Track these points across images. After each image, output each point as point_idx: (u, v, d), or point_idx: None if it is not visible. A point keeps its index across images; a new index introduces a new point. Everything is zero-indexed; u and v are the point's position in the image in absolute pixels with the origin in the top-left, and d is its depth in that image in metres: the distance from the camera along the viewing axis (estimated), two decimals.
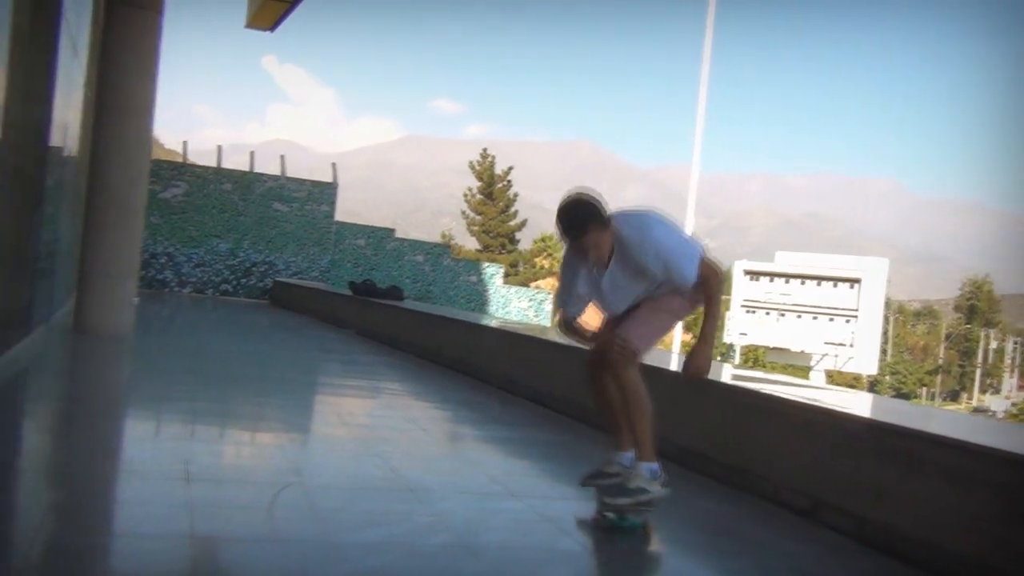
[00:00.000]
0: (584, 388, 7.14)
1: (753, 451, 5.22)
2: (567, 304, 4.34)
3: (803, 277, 38.86)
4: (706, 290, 4.15)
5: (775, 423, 5.11)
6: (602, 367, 4.26)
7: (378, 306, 15.12)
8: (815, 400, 5.28)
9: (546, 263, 60.90)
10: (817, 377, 35.19)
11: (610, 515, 4.09)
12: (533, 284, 48.18)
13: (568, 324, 4.38)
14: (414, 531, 3.78)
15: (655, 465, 4.11)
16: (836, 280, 38.65)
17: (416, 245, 28.51)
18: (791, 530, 4.48)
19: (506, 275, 32.82)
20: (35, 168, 7.96)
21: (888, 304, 63.06)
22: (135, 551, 3.20)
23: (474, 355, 10.01)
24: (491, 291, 28.74)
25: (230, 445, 5.65)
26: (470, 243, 61.84)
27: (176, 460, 4.67)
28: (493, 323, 12.57)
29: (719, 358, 43.19)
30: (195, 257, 23.86)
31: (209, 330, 14.91)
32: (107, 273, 10.48)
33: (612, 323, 4.31)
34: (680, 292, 4.19)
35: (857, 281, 38.23)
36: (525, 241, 63.59)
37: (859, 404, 5.95)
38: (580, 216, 4.03)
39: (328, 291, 19.75)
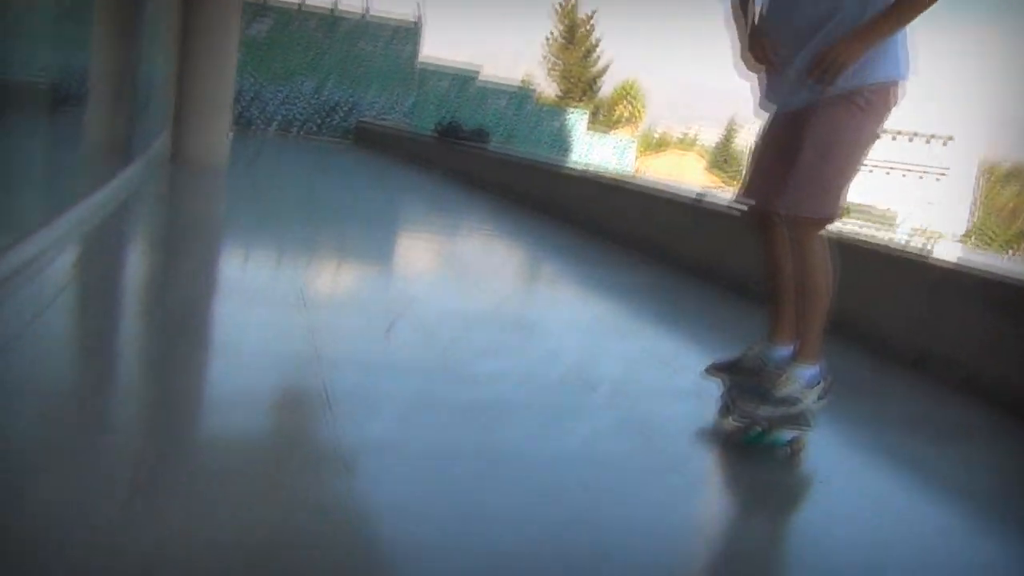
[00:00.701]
0: (679, 238, 7.13)
1: (862, 302, 5.13)
2: None
3: (894, 133, 37.70)
4: None
5: (885, 274, 5.01)
6: (771, 226, 3.24)
7: (464, 148, 15.04)
8: (924, 251, 5.17)
9: (626, 111, 59.83)
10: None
11: (739, 421, 3.17)
12: (613, 132, 47.50)
13: (736, 6, 3.31)
14: (530, 364, 3.83)
15: (816, 369, 3.15)
16: (929, 137, 37.43)
17: (499, 89, 28.14)
18: (900, 380, 4.44)
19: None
20: (130, 1, 7.93)
21: (978, 164, 61.03)
22: (266, 369, 3.29)
23: (564, 200, 9.95)
24: (574, 137, 28.41)
25: (338, 276, 5.73)
26: (549, 89, 60.84)
27: (289, 287, 4.77)
28: (581, 169, 12.46)
29: None
30: (280, 95, 23.88)
31: (299, 167, 15.03)
32: (202, 106, 10.54)
33: (772, 159, 3.21)
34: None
35: (950, 138, 36.98)
36: (606, 88, 62.32)
37: (969, 257, 5.82)
38: None
39: (413, 132, 19.70)
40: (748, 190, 3.30)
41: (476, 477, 2.55)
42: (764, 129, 3.33)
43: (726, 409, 3.25)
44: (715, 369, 3.41)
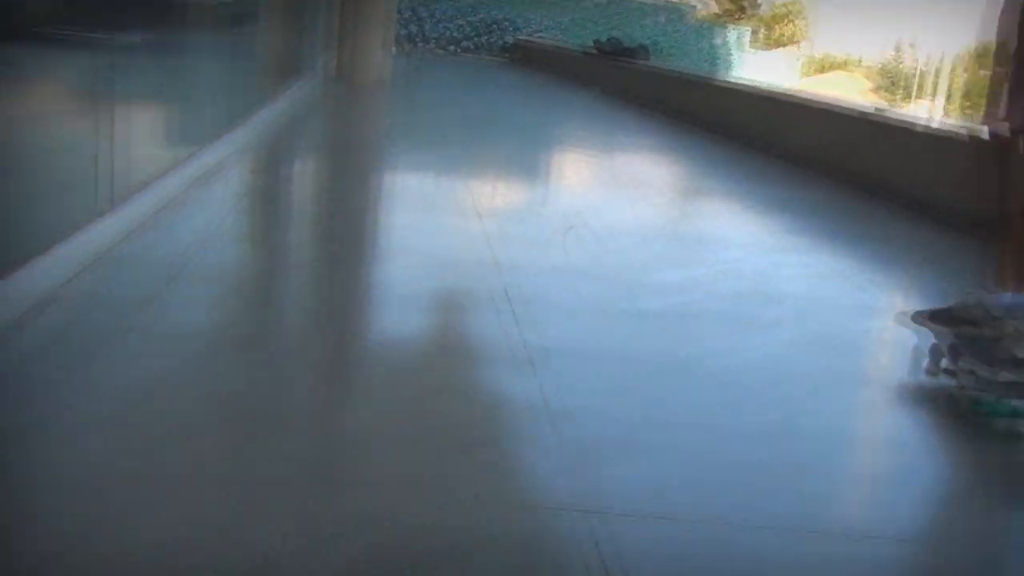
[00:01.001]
0: (852, 154, 6.81)
1: None
2: None
3: None
4: None
5: None
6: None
7: (624, 65, 14.76)
8: None
9: (788, 30, 57.49)
10: None
11: (966, 384, 2.54)
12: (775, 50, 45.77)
13: None
14: (710, 276, 3.74)
15: None
16: None
17: (658, 5, 27.39)
18: None
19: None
20: None
21: None
22: (449, 272, 3.33)
23: (728, 116, 9.65)
24: (735, 54, 27.53)
25: (506, 188, 5.72)
26: (704, 5, 58.85)
27: (460, 197, 4.79)
28: (746, 84, 12.05)
29: None
30: (438, 13, 23.92)
31: (458, 83, 15.07)
32: (364, 24, 10.67)
33: None
34: None
35: None
36: (766, 7, 59.86)
37: None
38: None
39: (571, 49, 19.43)
40: (1006, 110, 2.71)
41: (662, 383, 2.52)
42: (1016, 36, 2.71)
43: (939, 367, 2.66)
44: (924, 318, 2.74)
